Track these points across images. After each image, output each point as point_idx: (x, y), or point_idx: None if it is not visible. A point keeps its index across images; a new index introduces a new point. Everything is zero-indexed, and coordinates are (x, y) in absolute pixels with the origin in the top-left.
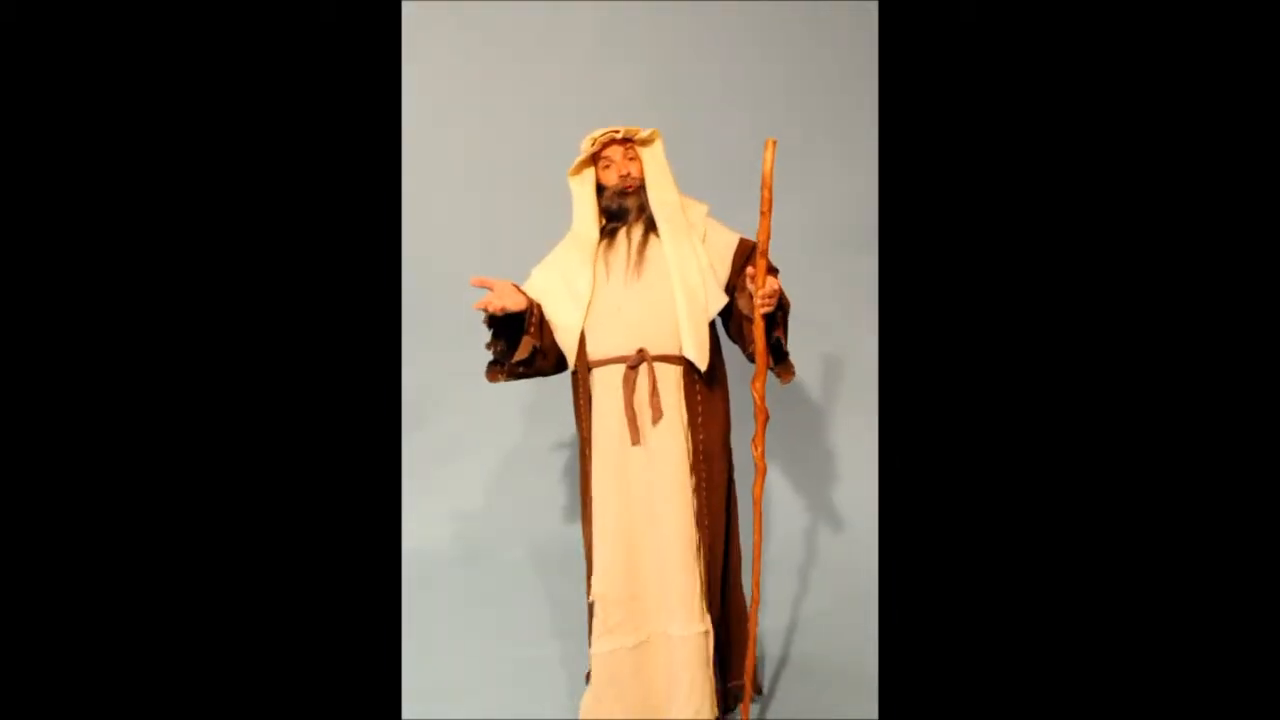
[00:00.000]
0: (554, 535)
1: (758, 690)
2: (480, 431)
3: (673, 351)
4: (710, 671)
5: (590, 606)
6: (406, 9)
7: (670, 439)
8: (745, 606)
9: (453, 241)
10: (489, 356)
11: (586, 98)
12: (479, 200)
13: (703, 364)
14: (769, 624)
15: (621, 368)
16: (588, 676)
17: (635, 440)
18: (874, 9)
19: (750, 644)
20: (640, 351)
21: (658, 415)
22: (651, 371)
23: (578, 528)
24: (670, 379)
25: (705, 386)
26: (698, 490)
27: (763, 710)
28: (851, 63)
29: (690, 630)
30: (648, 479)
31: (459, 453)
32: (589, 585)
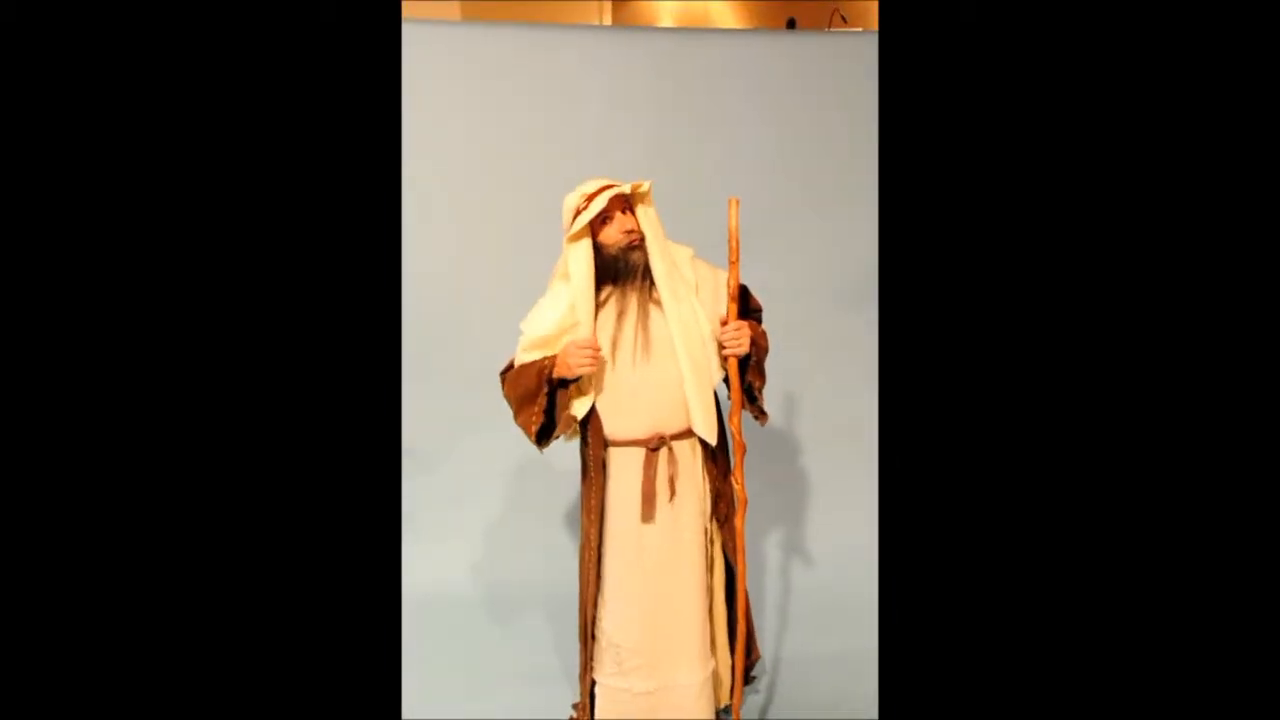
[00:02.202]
0: (556, 580)
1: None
2: (482, 477)
3: (688, 426)
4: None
5: (585, 641)
6: (408, 57)
7: (690, 507)
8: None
9: (456, 281)
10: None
11: (588, 154)
12: (480, 237)
13: (712, 438)
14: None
15: (640, 450)
16: (574, 707)
17: (650, 518)
18: (874, 62)
19: (738, 680)
20: (660, 436)
21: (673, 495)
22: (672, 455)
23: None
24: (688, 451)
25: (713, 451)
26: (724, 530)
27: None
28: (852, 116)
29: (699, 676)
30: (670, 547)
31: (463, 497)
32: (583, 620)
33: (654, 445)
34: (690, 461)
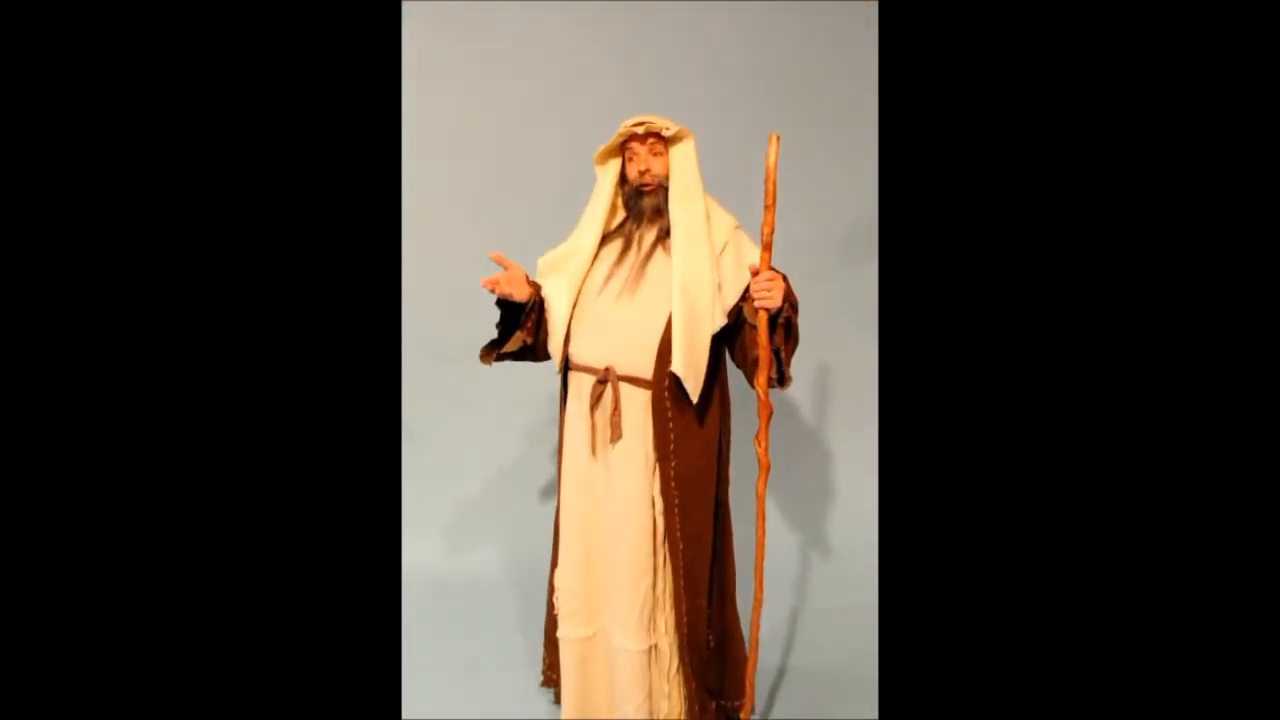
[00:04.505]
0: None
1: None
2: (477, 451)
3: (643, 375)
4: (664, 685)
5: (550, 598)
6: (407, 18)
7: (630, 460)
8: (740, 626)
9: (455, 258)
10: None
11: (589, 105)
12: (476, 188)
13: (694, 386)
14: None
15: (592, 378)
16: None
17: (593, 452)
18: (874, 12)
19: (753, 650)
20: (608, 370)
21: (616, 435)
22: (616, 391)
23: None
24: (637, 402)
25: (684, 414)
26: (669, 514)
27: None
28: (852, 69)
29: (635, 646)
30: (608, 492)
31: (456, 472)
32: (551, 578)
33: (602, 378)
34: (639, 411)
